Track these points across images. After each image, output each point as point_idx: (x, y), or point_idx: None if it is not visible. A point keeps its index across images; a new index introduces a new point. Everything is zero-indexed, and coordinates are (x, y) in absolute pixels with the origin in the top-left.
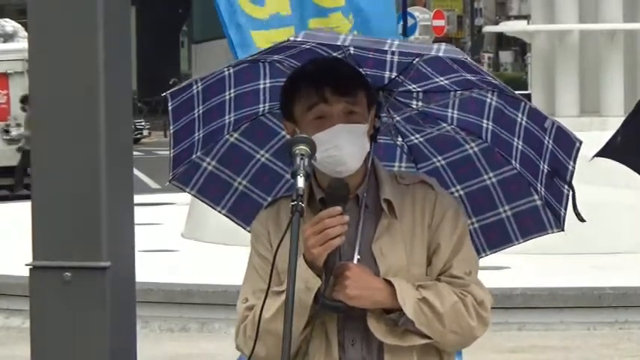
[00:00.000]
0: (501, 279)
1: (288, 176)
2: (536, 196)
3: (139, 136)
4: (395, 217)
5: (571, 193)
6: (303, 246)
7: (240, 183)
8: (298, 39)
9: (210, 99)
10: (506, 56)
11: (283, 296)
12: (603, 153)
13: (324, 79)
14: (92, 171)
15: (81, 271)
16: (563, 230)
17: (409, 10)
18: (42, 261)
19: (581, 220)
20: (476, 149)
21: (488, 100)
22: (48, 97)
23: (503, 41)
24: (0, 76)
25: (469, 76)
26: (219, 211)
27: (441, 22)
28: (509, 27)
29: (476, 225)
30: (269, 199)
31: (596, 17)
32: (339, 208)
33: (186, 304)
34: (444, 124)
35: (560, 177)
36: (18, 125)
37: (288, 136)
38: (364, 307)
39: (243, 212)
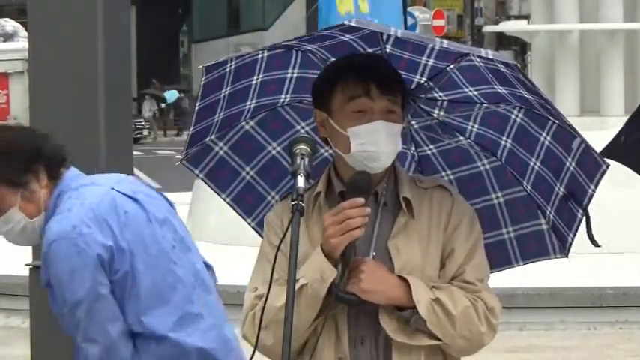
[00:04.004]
0: (502, 279)
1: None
2: (542, 220)
3: (139, 136)
4: (412, 216)
5: (585, 218)
6: (321, 236)
7: (247, 173)
8: (352, 23)
9: (238, 81)
10: (506, 56)
11: (295, 286)
12: (606, 153)
13: (371, 73)
14: (92, 171)
15: None
16: (566, 256)
17: (409, 9)
18: None
19: (596, 245)
20: (488, 167)
21: (513, 116)
22: (48, 97)
23: (504, 41)
24: (0, 76)
25: (501, 89)
26: (224, 199)
27: (441, 22)
28: (509, 27)
29: None
30: (272, 194)
31: (596, 17)
32: (361, 200)
33: None
34: (461, 138)
35: (575, 200)
36: None
37: (302, 132)
38: (377, 302)
39: (246, 203)
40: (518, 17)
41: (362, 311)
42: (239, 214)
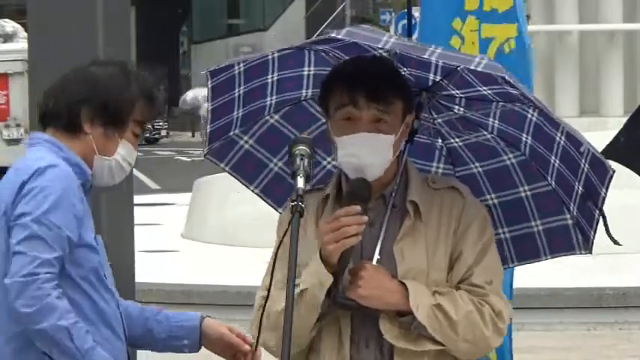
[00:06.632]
0: None
1: (325, 163)
2: (567, 215)
3: (157, 136)
4: (420, 219)
5: (602, 218)
6: (320, 242)
7: (275, 164)
8: (339, 36)
9: (251, 80)
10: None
11: (296, 290)
12: (606, 154)
13: (359, 81)
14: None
15: None
16: (590, 253)
17: None
18: None
19: (617, 244)
20: (513, 161)
21: (529, 115)
22: None
23: None
24: (0, 77)
25: (511, 90)
26: (252, 190)
27: None
28: None
29: (507, 235)
30: None
31: (596, 17)
32: (357, 207)
33: (186, 305)
34: (485, 132)
35: (592, 201)
36: (18, 126)
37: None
38: (376, 308)
39: (275, 194)
40: None
41: (367, 315)
42: (269, 205)
